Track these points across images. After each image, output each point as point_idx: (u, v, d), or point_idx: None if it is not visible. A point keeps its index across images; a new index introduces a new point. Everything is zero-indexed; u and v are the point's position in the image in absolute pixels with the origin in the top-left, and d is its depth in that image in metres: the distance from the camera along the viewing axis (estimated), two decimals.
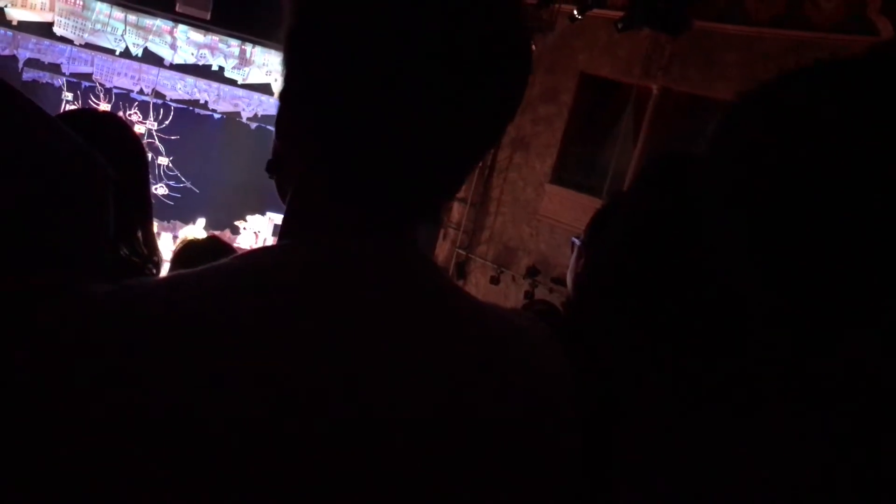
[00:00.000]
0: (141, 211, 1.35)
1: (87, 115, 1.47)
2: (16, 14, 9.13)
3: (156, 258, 1.40)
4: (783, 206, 0.49)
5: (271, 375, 0.48)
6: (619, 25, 7.39)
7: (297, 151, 0.60)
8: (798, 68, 0.54)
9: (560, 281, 8.15)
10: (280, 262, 0.55)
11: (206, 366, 0.47)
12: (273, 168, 0.64)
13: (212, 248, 1.90)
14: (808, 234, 0.47)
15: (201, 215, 10.11)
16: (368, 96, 0.54)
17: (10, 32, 9.33)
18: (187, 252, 1.93)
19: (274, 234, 10.45)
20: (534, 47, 0.60)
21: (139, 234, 1.35)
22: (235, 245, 7.21)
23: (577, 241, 1.68)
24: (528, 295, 8.53)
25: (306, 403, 0.49)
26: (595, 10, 7.55)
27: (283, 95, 0.60)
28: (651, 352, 0.68)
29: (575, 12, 7.57)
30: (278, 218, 10.43)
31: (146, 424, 0.45)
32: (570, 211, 8.59)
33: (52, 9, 9.35)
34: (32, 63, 9.71)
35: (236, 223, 10.54)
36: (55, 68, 9.95)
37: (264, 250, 0.59)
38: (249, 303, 0.50)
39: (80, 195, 0.59)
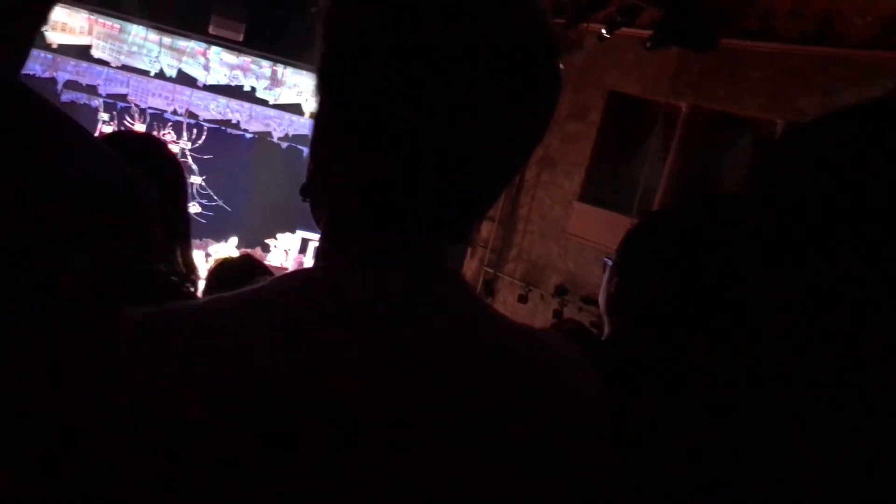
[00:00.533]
0: (180, 230, 1.38)
1: (128, 137, 1.51)
2: (55, 38, 9.38)
3: (193, 276, 1.43)
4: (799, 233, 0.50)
5: (304, 404, 0.49)
6: (648, 44, 7.38)
7: (330, 174, 0.61)
8: (838, 109, 0.54)
9: (589, 300, 8.10)
10: (312, 288, 0.56)
11: (237, 393, 0.48)
12: (307, 191, 0.64)
13: (246, 268, 1.93)
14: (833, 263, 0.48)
15: (233, 234, 10.23)
16: (399, 119, 0.55)
17: (49, 55, 9.58)
18: (222, 271, 1.96)
19: (302, 252, 10.53)
20: (562, 66, 0.61)
21: (178, 252, 1.38)
22: (266, 262, 7.27)
23: (608, 261, 1.67)
24: (557, 314, 8.48)
25: (339, 432, 0.50)
26: (623, 29, 7.55)
27: (318, 119, 0.61)
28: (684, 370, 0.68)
29: (603, 31, 7.58)
30: (308, 235, 10.53)
31: (176, 448, 0.47)
32: (599, 229, 8.55)
33: (90, 32, 9.59)
34: (71, 85, 9.95)
35: (267, 241, 10.65)
36: (92, 90, 10.19)
37: (297, 275, 0.60)
38: (282, 330, 0.52)
39: (127, 218, 0.61)
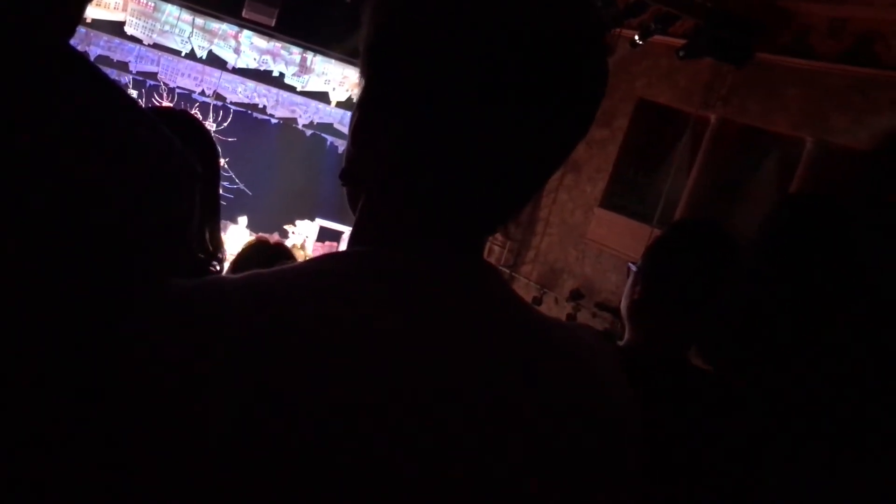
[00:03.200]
0: (210, 208, 1.39)
1: (169, 112, 1.52)
2: (90, 12, 9.44)
3: (220, 255, 1.43)
4: None
5: (347, 384, 0.49)
6: (681, 53, 7.34)
7: (374, 160, 0.60)
8: None
9: (604, 306, 8.07)
10: (359, 269, 0.55)
11: (278, 371, 0.48)
12: (347, 177, 0.63)
13: (275, 253, 1.93)
14: None
15: (251, 217, 10.26)
16: (450, 108, 0.54)
17: (83, 29, 9.65)
18: (250, 253, 1.97)
19: (321, 240, 10.57)
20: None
21: (206, 230, 1.39)
22: None
23: (633, 267, 1.66)
24: (570, 318, 8.46)
25: (384, 417, 0.49)
26: (657, 37, 7.50)
27: (362, 104, 0.60)
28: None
29: (636, 37, 7.54)
30: (327, 224, 10.55)
31: (213, 427, 0.46)
32: (619, 236, 8.51)
33: (124, 8, 9.66)
34: (102, 60, 10.02)
35: (285, 227, 10.69)
36: (123, 66, 10.27)
37: (339, 256, 0.59)
38: (326, 308, 0.51)
39: (176, 190, 0.61)
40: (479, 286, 0.58)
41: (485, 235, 0.61)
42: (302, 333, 0.49)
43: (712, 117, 7.97)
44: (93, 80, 0.60)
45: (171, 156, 0.63)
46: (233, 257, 2.04)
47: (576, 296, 8.66)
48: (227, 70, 10.54)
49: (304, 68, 10.50)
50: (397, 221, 0.58)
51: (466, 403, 0.52)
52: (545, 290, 9.34)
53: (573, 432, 0.56)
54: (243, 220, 10.05)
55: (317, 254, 0.67)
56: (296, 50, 10.35)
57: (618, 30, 7.53)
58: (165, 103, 10.11)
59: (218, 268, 1.47)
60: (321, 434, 0.47)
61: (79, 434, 0.48)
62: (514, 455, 0.53)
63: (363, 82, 0.60)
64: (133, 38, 9.96)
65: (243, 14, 9.09)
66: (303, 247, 10.07)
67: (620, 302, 1.67)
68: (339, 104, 10.77)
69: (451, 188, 0.56)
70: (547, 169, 0.60)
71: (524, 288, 9.66)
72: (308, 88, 10.67)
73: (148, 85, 10.47)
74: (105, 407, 0.47)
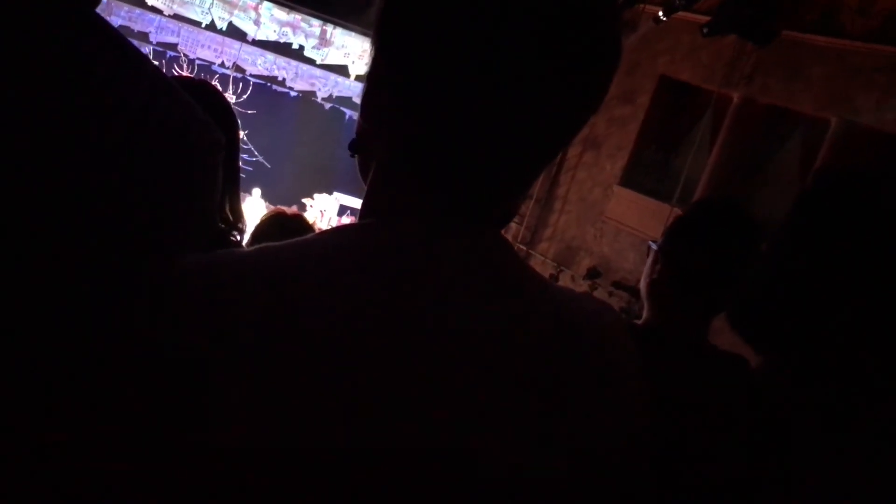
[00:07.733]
0: (230, 179, 1.39)
1: (189, 82, 1.52)
2: None
3: (240, 225, 1.44)
4: None
5: (355, 358, 0.49)
6: (705, 30, 7.22)
7: (382, 132, 0.60)
8: None
9: (620, 285, 8.03)
10: (366, 242, 0.55)
11: (288, 344, 0.48)
12: (355, 147, 0.64)
13: (295, 225, 1.93)
14: None
15: (270, 190, 10.25)
16: (459, 81, 0.53)
17: None
18: (269, 224, 1.97)
19: (339, 214, 10.58)
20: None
21: (227, 200, 1.39)
22: None
23: (653, 246, 1.65)
24: None
25: (394, 388, 0.49)
26: (680, 13, 7.39)
27: (371, 76, 0.60)
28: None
29: (660, 14, 7.42)
30: (344, 198, 10.55)
31: (222, 408, 0.47)
32: (638, 215, 8.45)
33: None
34: (122, 30, 9.98)
35: (304, 200, 10.71)
36: (144, 36, 10.26)
37: (349, 228, 0.59)
38: (335, 282, 0.51)
39: (200, 160, 0.61)
40: (491, 264, 0.57)
41: (494, 207, 0.61)
42: (316, 314, 0.49)
43: (735, 96, 7.86)
44: (116, 48, 0.60)
45: (194, 124, 0.64)
46: (251, 228, 2.05)
47: (593, 274, 8.63)
48: (246, 42, 10.51)
49: (323, 41, 10.45)
50: (407, 193, 0.58)
51: (469, 390, 0.52)
52: (562, 267, 9.31)
53: (572, 403, 0.56)
54: (257, 191, 10.05)
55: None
56: (316, 22, 10.29)
57: (641, 6, 7.42)
58: (185, 74, 10.10)
59: (238, 238, 1.48)
60: (334, 422, 0.47)
61: (88, 410, 0.48)
62: (518, 426, 0.53)
63: (373, 54, 0.60)
64: (154, 9, 9.94)
65: None
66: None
67: (638, 281, 1.66)
68: (358, 77, 10.72)
69: (460, 160, 0.56)
70: (557, 143, 0.59)
71: (541, 265, 9.64)
72: (327, 61, 10.62)
73: (168, 56, 10.46)
74: (115, 383, 0.48)
